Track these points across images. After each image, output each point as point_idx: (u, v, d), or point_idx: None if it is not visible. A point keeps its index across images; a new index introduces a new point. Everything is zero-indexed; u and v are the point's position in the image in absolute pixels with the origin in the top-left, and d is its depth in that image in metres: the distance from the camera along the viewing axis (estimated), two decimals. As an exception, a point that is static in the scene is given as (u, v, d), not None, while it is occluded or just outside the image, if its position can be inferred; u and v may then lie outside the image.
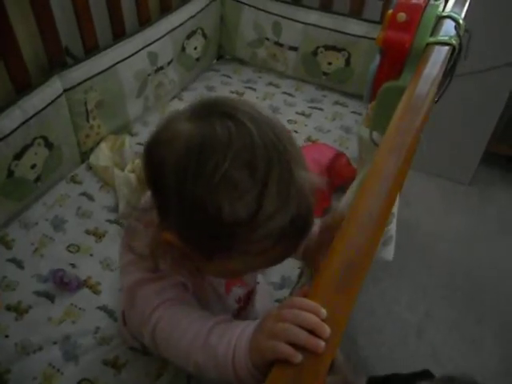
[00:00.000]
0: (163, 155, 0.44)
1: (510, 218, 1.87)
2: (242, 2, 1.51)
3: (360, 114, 1.43)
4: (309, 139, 1.34)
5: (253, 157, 0.41)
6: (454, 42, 0.72)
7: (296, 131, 1.35)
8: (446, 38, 0.72)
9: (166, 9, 1.35)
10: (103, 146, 1.23)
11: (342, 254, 0.41)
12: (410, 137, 0.54)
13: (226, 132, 0.42)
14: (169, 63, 1.39)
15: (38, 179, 1.09)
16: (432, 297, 1.56)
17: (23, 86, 1.01)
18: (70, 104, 1.12)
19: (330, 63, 1.47)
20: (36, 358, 0.84)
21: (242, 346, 0.40)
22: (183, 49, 1.44)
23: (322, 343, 0.34)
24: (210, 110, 0.45)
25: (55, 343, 0.87)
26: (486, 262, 1.68)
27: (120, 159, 1.21)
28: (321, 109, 1.46)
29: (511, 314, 1.51)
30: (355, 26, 1.39)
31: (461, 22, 0.78)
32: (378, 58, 0.77)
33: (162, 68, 1.37)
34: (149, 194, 0.51)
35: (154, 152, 0.46)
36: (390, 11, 0.71)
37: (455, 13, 0.79)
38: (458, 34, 0.74)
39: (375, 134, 0.78)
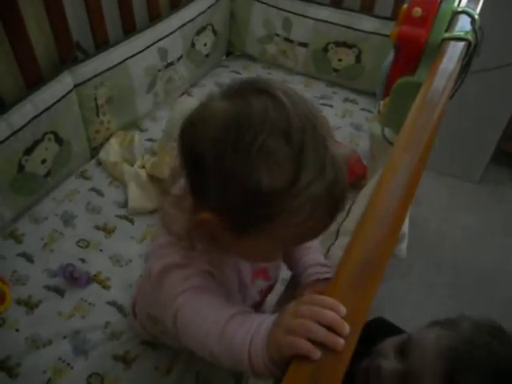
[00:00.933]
0: (200, 134, 0.45)
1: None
2: (252, -2, 1.50)
3: (370, 112, 1.42)
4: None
5: (288, 127, 0.42)
6: (469, 37, 0.71)
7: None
8: (462, 33, 0.71)
9: (175, 4, 1.34)
10: (113, 141, 1.23)
11: (359, 250, 0.41)
12: (427, 133, 0.53)
13: (261, 105, 0.43)
14: (178, 59, 1.39)
15: (48, 174, 1.09)
16: (439, 296, 1.55)
17: (34, 81, 1.01)
18: (81, 99, 1.12)
19: (340, 60, 1.46)
20: (46, 352, 0.85)
21: (259, 339, 0.40)
22: (193, 45, 1.43)
23: (342, 340, 0.34)
24: (244, 88, 0.46)
25: (65, 337, 0.87)
26: (493, 261, 1.67)
27: (129, 155, 1.21)
28: (331, 105, 1.45)
29: (521, 314, 1.50)
30: (366, 23, 1.38)
31: (476, 17, 0.76)
32: (392, 54, 0.76)
33: (171, 64, 1.36)
34: (181, 182, 0.52)
35: (190, 132, 0.47)
36: (405, 6, 0.70)
37: (470, 8, 0.78)
38: (473, 30, 0.73)
39: (387, 131, 0.77)
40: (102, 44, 1.14)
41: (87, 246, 1.02)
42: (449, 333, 0.58)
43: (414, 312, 1.47)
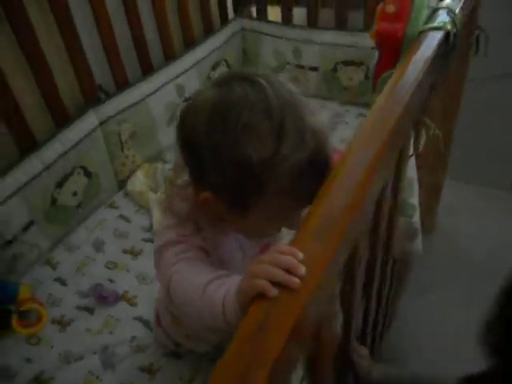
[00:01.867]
0: (194, 119, 0.52)
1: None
2: (261, 33, 1.60)
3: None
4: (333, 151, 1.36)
5: (268, 106, 0.49)
6: (448, 27, 0.74)
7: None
8: (441, 23, 0.74)
9: (189, 43, 1.46)
10: (139, 173, 1.32)
11: (322, 210, 0.43)
12: (394, 116, 0.55)
13: (242, 90, 0.50)
14: (196, 94, 1.49)
15: (79, 206, 1.18)
16: (479, 304, 1.48)
17: (62, 121, 1.12)
18: (105, 136, 1.22)
19: (350, 78, 1.51)
20: (77, 367, 0.89)
21: (231, 291, 0.43)
22: (209, 79, 1.53)
23: (297, 280, 0.36)
24: (229, 78, 0.53)
25: (95, 353, 0.91)
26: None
27: (154, 184, 1.29)
28: (346, 122, 1.49)
29: None
30: (370, 40, 1.43)
31: (456, 11, 0.79)
32: (377, 54, 0.79)
33: (189, 98, 1.46)
34: (185, 176, 0.58)
35: (186, 119, 0.54)
36: (380, 6, 0.74)
37: (451, 4, 0.81)
38: (452, 21, 0.75)
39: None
40: (123, 84, 1.25)
41: (115, 268, 1.09)
42: None
43: (451, 323, 1.41)
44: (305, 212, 0.47)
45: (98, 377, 0.88)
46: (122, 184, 1.31)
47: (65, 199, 1.13)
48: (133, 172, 1.32)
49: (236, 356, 0.32)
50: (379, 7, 0.75)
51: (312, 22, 1.54)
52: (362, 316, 0.82)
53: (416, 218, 0.89)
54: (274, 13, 1.62)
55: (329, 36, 1.49)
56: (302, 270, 0.37)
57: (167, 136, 1.41)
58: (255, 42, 1.61)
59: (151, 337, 0.93)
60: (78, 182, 1.16)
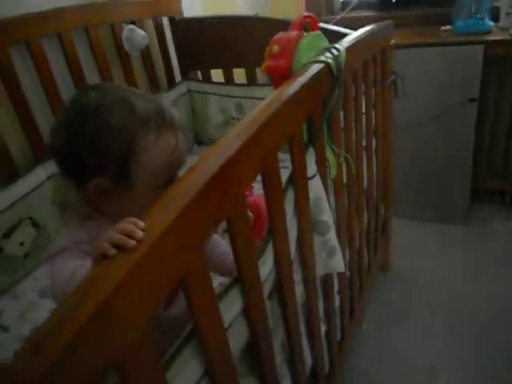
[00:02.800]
0: (55, 133, 0.68)
1: (511, 252, 1.83)
2: (207, 93, 1.75)
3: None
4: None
5: (109, 90, 0.69)
6: (329, 61, 0.86)
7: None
8: (322, 58, 0.86)
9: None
10: (89, 224, 1.38)
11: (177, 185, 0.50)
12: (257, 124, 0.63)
13: (87, 95, 0.67)
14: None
15: (27, 255, 1.22)
16: (439, 337, 1.50)
17: (11, 176, 1.20)
18: (54, 189, 1.30)
19: (289, 127, 1.64)
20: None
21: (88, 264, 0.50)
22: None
23: (133, 241, 0.42)
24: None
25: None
26: (491, 297, 1.62)
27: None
28: (288, 167, 1.58)
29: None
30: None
31: (341, 49, 0.92)
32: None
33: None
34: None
35: (51, 141, 0.69)
36: (268, 47, 0.87)
37: (336, 44, 0.94)
38: (333, 56, 0.88)
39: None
40: (71, 142, 1.35)
41: (58, 312, 1.11)
42: None
43: (417, 359, 1.42)
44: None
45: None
46: (72, 235, 1.36)
47: (12, 249, 1.18)
48: (84, 224, 1.38)
49: (57, 311, 0.37)
50: (267, 48, 0.87)
51: (251, 80, 1.70)
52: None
53: (331, 235, 0.96)
54: (217, 75, 1.79)
55: (266, 91, 1.64)
56: (139, 234, 0.43)
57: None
58: (202, 101, 1.76)
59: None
60: (25, 232, 1.22)
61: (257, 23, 1.62)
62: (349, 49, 0.95)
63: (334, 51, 0.89)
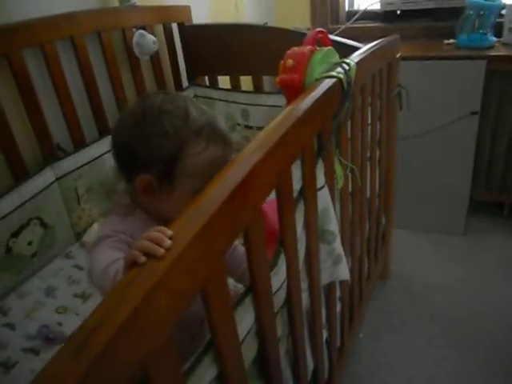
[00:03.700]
0: (122, 122, 0.75)
1: (508, 263, 1.86)
2: (213, 99, 1.78)
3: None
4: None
5: (175, 99, 0.74)
6: (340, 76, 0.88)
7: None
8: (334, 73, 0.88)
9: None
10: (95, 226, 1.40)
11: (199, 199, 0.52)
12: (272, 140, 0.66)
13: (155, 97, 0.74)
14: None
15: (34, 255, 1.24)
16: (438, 347, 1.52)
17: (20, 176, 1.22)
18: (62, 190, 1.32)
19: (294, 135, 1.66)
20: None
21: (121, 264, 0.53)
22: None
23: (162, 250, 0.45)
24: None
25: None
26: (489, 307, 1.65)
27: (109, 235, 1.36)
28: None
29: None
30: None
31: (352, 64, 0.95)
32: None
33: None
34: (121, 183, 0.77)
35: (116, 127, 0.76)
36: (282, 61, 0.89)
37: (347, 60, 0.97)
38: (344, 71, 0.90)
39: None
40: (80, 143, 1.37)
41: (65, 312, 1.13)
42: None
43: (415, 369, 1.44)
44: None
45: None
46: (79, 236, 1.38)
47: (20, 248, 1.20)
48: (90, 224, 1.40)
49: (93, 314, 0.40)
50: (281, 62, 0.90)
51: (257, 88, 1.72)
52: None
53: (336, 244, 0.98)
54: (224, 81, 1.81)
55: (272, 99, 1.67)
56: (167, 243, 0.45)
57: (124, 191, 1.51)
58: (208, 106, 1.78)
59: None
60: (33, 232, 1.23)
61: (266, 32, 1.65)
62: (359, 63, 0.98)
63: (345, 66, 0.92)
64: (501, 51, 1.78)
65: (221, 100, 1.76)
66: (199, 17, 1.79)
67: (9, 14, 1.17)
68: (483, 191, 2.09)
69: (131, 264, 0.45)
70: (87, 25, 1.36)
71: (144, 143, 0.69)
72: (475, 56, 1.75)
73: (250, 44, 1.66)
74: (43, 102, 1.26)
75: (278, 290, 0.71)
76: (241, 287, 0.91)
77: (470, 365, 1.44)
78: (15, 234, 1.18)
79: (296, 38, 1.57)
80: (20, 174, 1.22)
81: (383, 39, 1.28)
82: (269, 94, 1.69)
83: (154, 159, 0.69)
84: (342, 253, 1.00)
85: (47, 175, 1.27)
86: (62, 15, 1.29)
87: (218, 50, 1.72)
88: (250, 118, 1.73)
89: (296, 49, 0.89)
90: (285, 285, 0.74)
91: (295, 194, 0.76)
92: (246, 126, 1.75)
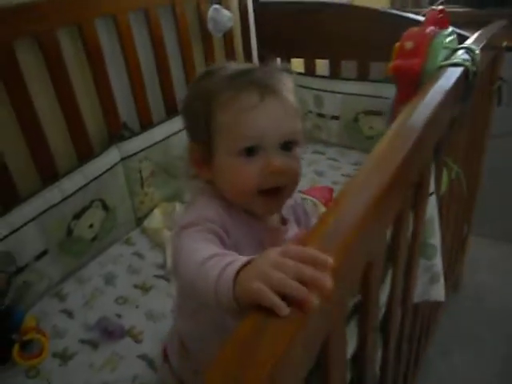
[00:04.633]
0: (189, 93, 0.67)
1: None
2: (284, 82, 1.65)
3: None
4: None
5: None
6: (467, 64, 0.74)
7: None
8: (459, 60, 0.74)
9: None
10: (156, 211, 1.32)
11: (330, 221, 0.41)
12: (405, 148, 0.54)
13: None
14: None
15: (94, 238, 1.17)
16: (509, 370, 1.37)
17: (85, 155, 1.15)
18: (126, 172, 1.24)
19: (371, 127, 1.52)
20: (74, 403, 0.85)
21: (230, 272, 0.40)
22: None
23: (315, 300, 0.32)
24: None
25: (94, 389, 0.87)
26: None
27: (171, 223, 1.28)
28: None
29: None
30: (391, 90, 1.44)
31: (476, 51, 0.80)
32: (395, 90, 0.80)
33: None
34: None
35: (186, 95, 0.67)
36: (397, 43, 0.75)
37: (470, 45, 0.82)
38: (472, 60, 0.76)
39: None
40: (147, 124, 1.29)
41: (125, 303, 1.06)
42: None
43: None
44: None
45: (94, 415, 0.83)
46: (139, 221, 1.31)
47: (81, 231, 1.14)
48: (151, 210, 1.33)
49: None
50: (397, 44, 0.76)
51: (334, 73, 1.58)
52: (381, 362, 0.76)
53: (437, 261, 0.85)
54: (298, 65, 1.68)
55: (351, 86, 1.52)
56: (329, 284, 0.32)
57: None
58: (279, 91, 1.66)
59: (154, 377, 0.88)
60: (95, 214, 1.17)
61: (348, 11, 1.50)
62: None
63: (471, 53, 0.77)
64: None
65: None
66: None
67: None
68: None
69: (259, 304, 0.33)
70: (161, -4, 1.26)
71: (187, 109, 0.65)
72: None
73: (330, 24, 1.52)
74: (113, 78, 1.18)
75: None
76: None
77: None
78: (77, 216, 1.12)
79: (385, 19, 1.42)
80: (85, 152, 1.15)
81: (490, 25, 1.11)
82: (346, 81, 1.54)
83: (193, 124, 0.64)
84: (441, 271, 0.87)
85: (113, 155, 1.19)
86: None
87: (293, 29, 1.58)
88: (324, 105, 1.59)
89: (415, 29, 0.75)
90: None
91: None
92: (319, 114, 1.61)
